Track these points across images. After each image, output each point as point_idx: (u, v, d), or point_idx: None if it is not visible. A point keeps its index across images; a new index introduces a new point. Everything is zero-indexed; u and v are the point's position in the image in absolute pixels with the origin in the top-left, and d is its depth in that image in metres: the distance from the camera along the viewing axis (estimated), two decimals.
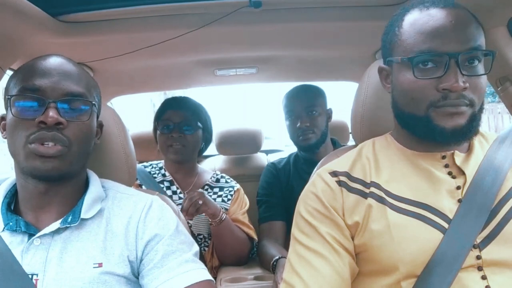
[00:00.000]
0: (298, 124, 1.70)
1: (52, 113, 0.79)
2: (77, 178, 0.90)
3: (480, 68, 0.78)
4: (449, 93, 0.75)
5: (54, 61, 0.86)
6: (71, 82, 0.84)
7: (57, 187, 0.86)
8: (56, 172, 0.82)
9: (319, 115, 1.72)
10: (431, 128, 0.78)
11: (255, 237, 1.65)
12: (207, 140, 1.76)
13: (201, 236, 1.61)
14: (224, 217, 1.51)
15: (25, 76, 0.83)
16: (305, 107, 1.71)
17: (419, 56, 0.77)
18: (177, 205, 1.53)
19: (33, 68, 0.84)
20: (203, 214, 1.51)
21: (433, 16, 0.78)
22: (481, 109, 0.79)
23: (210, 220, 1.50)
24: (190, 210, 1.43)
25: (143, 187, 1.62)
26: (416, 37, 0.78)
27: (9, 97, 0.82)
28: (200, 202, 1.44)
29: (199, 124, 1.66)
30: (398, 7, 0.88)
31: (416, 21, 0.79)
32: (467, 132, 0.77)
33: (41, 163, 0.80)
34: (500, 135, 0.89)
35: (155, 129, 1.71)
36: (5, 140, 0.86)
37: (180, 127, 1.61)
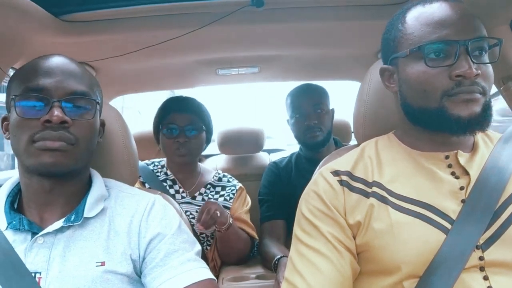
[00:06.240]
0: (306, 122, 1.70)
1: (57, 112, 0.80)
2: (81, 176, 0.91)
3: (488, 59, 0.79)
4: (463, 80, 0.74)
5: (57, 61, 0.86)
6: (75, 81, 0.85)
7: (62, 185, 0.86)
8: (61, 168, 0.82)
9: (326, 114, 1.73)
10: (446, 118, 0.76)
11: (256, 236, 1.66)
12: (208, 140, 1.76)
13: (204, 235, 1.61)
14: (231, 221, 1.50)
15: (28, 76, 0.83)
16: (312, 105, 1.71)
17: (430, 45, 0.76)
18: (180, 204, 1.53)
19: (36, 67, 0.84)
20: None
21: (438, 8, 0.78)
22: (490, 100, 0.78)
23: (217, 227, 1.47)
24: (209, 223, 1.40)
25: (146, 185, 1.62)
26: (423, 28, 0.78)
27: (13, 97, 0.82)
28: (218, 213, 1.41)
29: (203, 126, 1.65)
30: (400, 7, 0.88)
31: (421, 14, 0.79)
32: (482, 121, 0.76)
33: (47, 157, 0.80)
34: (504, 135, 0.88)
35: (156, 130, 1.69)
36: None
37: (185, 131, 1.59)
